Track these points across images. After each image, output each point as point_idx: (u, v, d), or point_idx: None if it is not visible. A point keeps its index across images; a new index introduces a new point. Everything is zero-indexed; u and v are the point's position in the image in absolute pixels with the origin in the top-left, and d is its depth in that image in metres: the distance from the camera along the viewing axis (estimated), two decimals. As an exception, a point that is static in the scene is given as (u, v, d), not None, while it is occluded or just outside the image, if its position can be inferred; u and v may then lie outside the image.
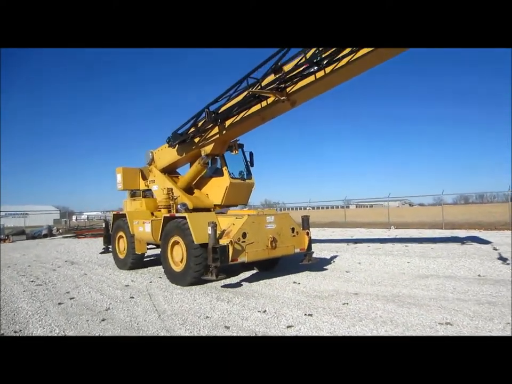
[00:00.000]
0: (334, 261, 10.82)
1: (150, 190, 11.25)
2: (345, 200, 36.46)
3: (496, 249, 11.76)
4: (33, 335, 5.25)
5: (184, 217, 8.09)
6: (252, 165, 10.46)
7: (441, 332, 4.71)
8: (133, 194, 11.99)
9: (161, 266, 10.50)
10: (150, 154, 11.11)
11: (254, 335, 4.91)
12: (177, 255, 8.34)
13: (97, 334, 5.13)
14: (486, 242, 13.91)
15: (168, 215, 9.00)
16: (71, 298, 7.34)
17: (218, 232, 7.47)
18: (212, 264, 7.16)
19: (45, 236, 27.81)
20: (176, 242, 8.38)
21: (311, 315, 5.57)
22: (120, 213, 11.50)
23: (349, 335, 4.77)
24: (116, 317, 5.95)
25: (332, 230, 26.01)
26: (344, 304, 6.15)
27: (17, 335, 5.24)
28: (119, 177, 11.62)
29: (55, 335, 5.22)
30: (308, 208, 42.98)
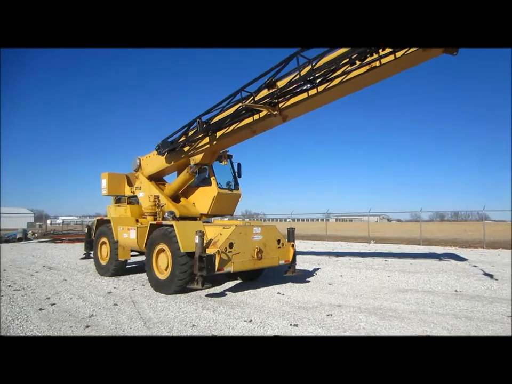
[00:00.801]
0: (316, 273, 10.97)
1: (136, 196, 11.18)
2: (326, 213, 37.02)
3: (474, 266, 12.18)
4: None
5: (171, 225, 8.08)
6: (240, 176, 10.59)
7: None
8: (118, 200, 11.86)
9: (143, 274, 10.44)
10: (138, 160, 11.07)
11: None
12: (162, 263, 8.30)
13: (82, 341, 5.09)
14: (462, 259, 14.38)
15: (154, 222, 8.97)
16: (52, 304, 7.20)
17: (205, 241, 7.50)
18: (198, 273, 7.16)
19: (20, 239, 26.98)
20: (162, 250, 8.35)
21: (296, 325, 5.67)
22: (104, 218, 11.34)
23: (348, 335, 4.85)
24: (100, 323, 5.88)
25: (313, 242, 26.27)
26: (328, 315, 6.28)
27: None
28: (104, 182, 11.50)
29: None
30: (288, 220, 43.24)
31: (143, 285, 9.21)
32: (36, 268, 12.70)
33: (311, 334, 5.26)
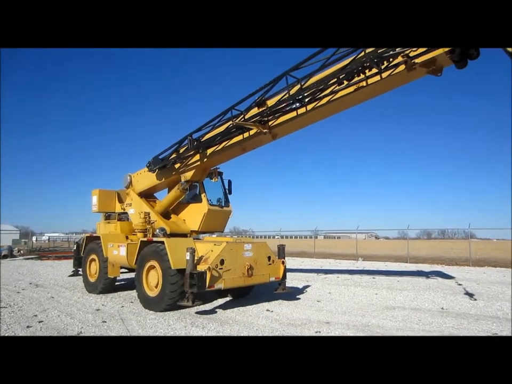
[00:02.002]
0: (305, 290, 11.04)
1: (126, 213, 11.18)
2: (315, 230, 37.19)
3: (460, 284, 12.39)
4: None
5: (162, 242, 8.11)
6: (230, 193, 10.69)
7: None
8: (108, 216, 11.84)
9: (132, 291, 10.40)
10: (129, 177, 11.11)
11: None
12: (153, 280, 8.27)
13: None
14: (449, 277, 14.60)
15: (145, 239, 8.98)
16: (39, 322, 7.13)
17: (196, 258, 7.53)
18: (189, 290, 7.16)
19: (5, 256, 26.43)
20: (152, 267, 8.33)
21: (285, 342, 5.73)
22: (94, 235, 11.28)
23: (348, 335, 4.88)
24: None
25: (302, 259, 26.34)
26: (316, 332, 6.35)
27: None
28: (94, 199, 11.50)
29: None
30: (277, 237, 43.28)
31: (131, 302, 9.16)
32: (22, 285, 12.50)
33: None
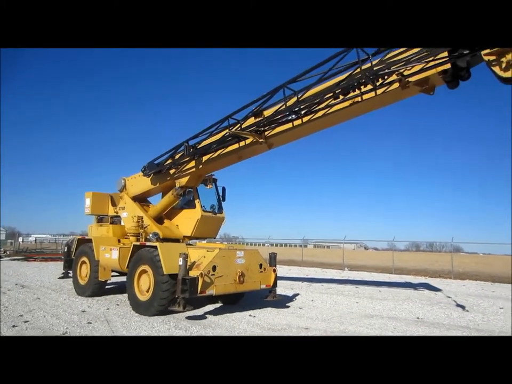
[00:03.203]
0: (288, 298, 11.30)
1: (119, 216, 11.26)
2: (303, 239, 37.52)
3: (435, 294, 12.77)
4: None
5: (155, 247, 8.20)
6: (224, 200, 10.85)
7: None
8: (100, 219, 11.91)
9: (118, 295, 10.58)
10: (123, 181, 11.19)
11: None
12: (144, 284, 8.33)
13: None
14: (430, 288, 15.00)
15: (138, 243, 9.09)
16: (25, 322, 7.26)
17: (188, 263, 7.60)
18: (181, 295, 7.22)
19: (-10, 256, 26.23)
20: (144, 271, 8.39)
21: (264, 346, 5.98)
22: (86, 237, 11.33)
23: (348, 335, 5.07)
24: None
25: (289, 267, 26.59)
26: (295, 337, 6.62)
27: None
28: (87, 201, 11.54)
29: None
30: (267, 244, 43.47)
31: (117, 304, 9.33)
32: (8, 285, 12.51)
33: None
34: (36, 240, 60.58)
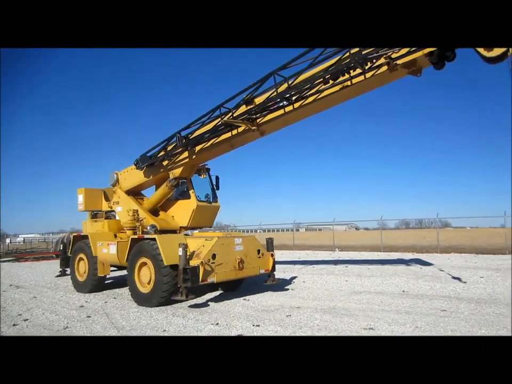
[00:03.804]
0: (281, 280, 11.65)
1: (113, 211, 11.28)
2: (294, 223, 38.04)
3: (421, 268, 13.31)
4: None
5: (153, 239, 8.31)
6: (218, 189, 10.96)
7: (365, 335, 5.65)
8: (94, 215, 11.90)
9: (116, 289, 10.82)
10: (115, 175, 11.17)
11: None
12: (145, 277, 8.46)
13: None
14: (416, 263, 15.56)
15: (136, 236, 9.17)
16: (25, 320, 7.45)
17: (188, 253, 7.72)
18: (183, 285, 7.41)
19: (-20, 260, 26.03)
20: (144, 264, 8.51)
21: (258, 325, 6.33)
22: (81, 234, 11.35)
23: (349, 335, 5.21)
24: (76, 334, 6.28)
25: (281, 252, 27.04)
26: (287, 316, 6.98)
27: None
28: (80, 198, 11.53)
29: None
30: (258, 230, 43.91)
31: (114, 298, 9.57)
32: (2, 287, 12.60)
33: (271, 332, 5.93)
34: (24, 240, 59.95)
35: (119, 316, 7.45)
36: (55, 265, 20.37)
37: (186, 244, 7.76)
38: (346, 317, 6.73)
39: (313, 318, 6.73)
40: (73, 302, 9.21)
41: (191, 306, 8.21)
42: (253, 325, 6.37)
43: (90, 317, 7.50)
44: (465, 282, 10.23)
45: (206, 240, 8.37)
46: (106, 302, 9.01)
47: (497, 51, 5.21)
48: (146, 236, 8.85)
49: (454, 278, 11.06)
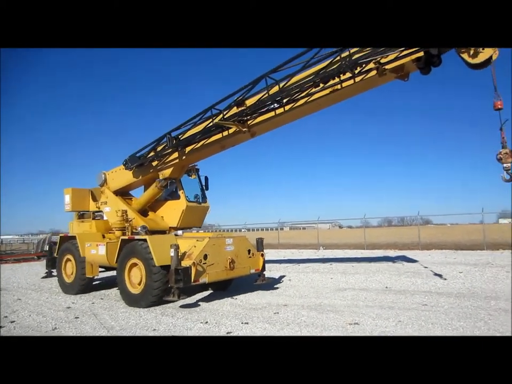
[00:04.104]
0: (271, 279, 11.80)
1: (101, 211, 11.19)
2: (279, 222, 38.32)
3: (403, 265, 13.69)
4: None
5: (144, 240, 8.27)
6: (207, 189, 10.98)
7: (350, 330, 5.86)
8: (81, 215, 11.76)
9: (103, 290, 10.74)
10: (103, 175, 11.07)
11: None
12: (135, 277, 8.41)
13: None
14: (398, 260, 15.96)
15: (126, 237, 9.11)
16: (11, 322, 7.38)
17: (179, 254, 7.71)
18: (175, 285, 7.41)
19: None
20: (135, 265, 8.47)
21: (247, 323, 6.47)
22: (69, 235, 11.16)
23: (349, 335, 5.25)
24: (65, 335, 6.29)
25: (267, 251, 27.11)
26: (275, 313, 7.14)
27: None
28: (67, 198, 11.38)
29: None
30: (243, 230, 43.99)
31: (101, 298, 9.54)
32: (-16, 290, 12.40)
33: (259, 329, 6.08)
34: (2, 241, 58.34)
35: (107, 316, 7.47)
36: (36, 267, 20.09)
37: (178, 245, 7.77)
38: (332, 313, 6.93)
39: (300, 315, 6.91)
40: (60, 304, 9.15)
41: (180, 305, 8.26)
42: (242, 323, 6.51)
43: (78, 318, 7.49)
44: (445, 278, 10.59)
45: (197, 240, 8.42)
46: (93, 303, 8.99)
47: (481, 57, 5.52)
48: (137, 237, 8.79)
49: (434, 273, 11.44)
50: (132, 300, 8.39)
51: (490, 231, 31.11)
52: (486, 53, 5.46)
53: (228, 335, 5.72)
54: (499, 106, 5.75)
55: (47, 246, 12.78)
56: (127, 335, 6.07)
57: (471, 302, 7.50)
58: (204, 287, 9.77)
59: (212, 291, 9.98)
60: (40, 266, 20.05)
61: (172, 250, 7.53)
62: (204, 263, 7.88)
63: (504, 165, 5.70)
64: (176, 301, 7.66)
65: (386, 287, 9.64)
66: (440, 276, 10.99)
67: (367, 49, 6.19)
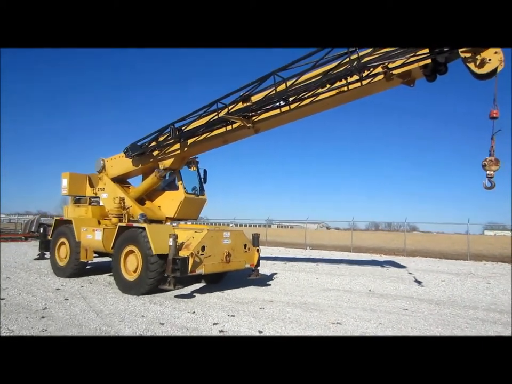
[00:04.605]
0: (264, 276, 12.01)
1: (97, 197, 11.24)
2: (268, 219, 38.64)
3: (387, 270, 14.02)
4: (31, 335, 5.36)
5: (143, 228, 8.32)
6: (205, 182, 11.02)
7: (333, 329, 6.09)
8: (77, 200, 11.81)
9: (92, 275, 10.79)
10: (102, 161, 11.08)
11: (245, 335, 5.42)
12: (131, 265, 8.45)
13: (40, 329, 5.61)
14: (383, 264, 16.32)
15: (124, 224, 9.17)
16: (1, 299, 7.49)
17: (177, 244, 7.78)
18: (171, 274, 7.48)
19: None
20: (131, 252, 8.50)
21: (233, 316, 6.67)
22: (64, 218, 11.19)
23: (350, 335, 5.30)
24: (55, 315, 6.43)
25: (254, 247, 27.50)
26: (260, 308, 7.36)
27: None
28: (64, 182, 11.41)
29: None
30: (231, 225, 44.11)
31: (90, 283, 9.67)
32: (-29, 266, 12.41)
33: (245, 322, 6.28)
34: (-10, 220, 57.68)
35: (96, 300, 7.61)
36: (24, 247, 20.07)
37: (177, 235, 7.83)
38: (316, 312, 7.17)
39: (285, 312, 7.14)
40: (49, 285, 9.25)
41: (168, 294, 8.42)
42: (228, 315, 6.71)
43: (67, 299, 7.62)
44: (426, 285, 10.92)
45: (195, 232, 8.50)
46: (82, 287, 9.12)
47: (487, 68, 5.56)
48: (135, 224, 8.83)
49: (417, 280, 11.78)
50: (126, 287, 8.44)
51: (475, 242, 31.81)
52: (492, 64, 5.51)
53: (223, 335, 5.65)
54: (494, 115, 5.78)
55: (41, 228, 12.76)
56: (117, 318, 6.23)
57: (450, 310, 7.80)
58: (197, 279, 9.90)
59: (205, 283, 10.07)
60: (27, 247, 20.06)
61: (171, 240, 7.60)
62: (201, 254, 7.96)
63: (487, 172, 5.80)
64: (172, 290, 7.74)
65: (370, 290, 9.93)
66: (420, 282, 11.33)
67: (376, 53, 6.29)
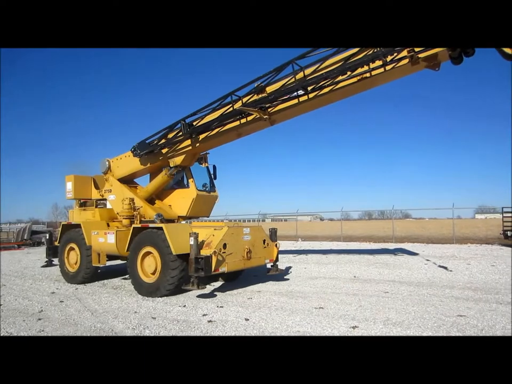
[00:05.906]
0: (283, 270, 12.31)
1: (104, 199, 11.01)
2: (260, 213, 39.01)
3: (373, 256, 14.50)
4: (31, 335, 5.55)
5: (160, 228, 8.12)
6: (215, 178, 10.81)
7: (315, 313, 6.49)
8: (83, 203, 11.53)
9: (103, 280, 10.87)
10: (107, 162, 10.84)
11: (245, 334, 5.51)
12: (149, 267, 8.25)
13: (37, 330, 5.91)
14: (370, 252, 16.80)
15: (139, 225, 8.95)
16: (-2, 305, 7.76)
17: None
18: (194, 274, 7.34)
19: None
20: (148, 253, 8.31)
21: (222, 307, 7.05)
22: (72, 223, 10.78)
23: (349, 335, 5.28)
24: (51, 316, 6.73)
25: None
26: (248, 298, 7.75)
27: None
28: (69, 185, 11.14)
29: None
30: (224, 220, 44.34)
31: (84, 285, 9.95)
32: (-34, 276, 12.59)
33: (233, 312, 6.65)
34: (-19, 230, 57.15)
35: (91, 301, 7.92)
36: (18, 255, 20.21)
37: (197, 233, 7.58)
38: (301, 299, 7.58)
39: (272, 300, 7.53)
40: (44, 289, 9.52)
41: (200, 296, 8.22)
42: (217, 306, 7.07)
43: (63, 301, 7.92)
44: (409, 269, 11.40)
45: (215, 229, 8.33)
46: (77, 289, 9.40)
47: None
48: (151, 225, 8.60)
49: (401, 265, 12.26)
50: (145, 289, 8.22)
51: (463, 226, 32.55)
52: None
53: (224, 335, 5.56)
54: None
55: (47, 235, 12.43)
56: (111, 316, 6.55)
57: (428, 291, 8.26)
58: (215, 278, 9.72)
59: (223, 282, 9.81)
60: (21, 255, 20.22)
61: (192, 238, 7.41)
62: (223, 252, 7.80)
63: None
64: (196, 290, 7.51)
65: (355, 276, 10.37)
66: (405, 267, 11.81)
67: None
